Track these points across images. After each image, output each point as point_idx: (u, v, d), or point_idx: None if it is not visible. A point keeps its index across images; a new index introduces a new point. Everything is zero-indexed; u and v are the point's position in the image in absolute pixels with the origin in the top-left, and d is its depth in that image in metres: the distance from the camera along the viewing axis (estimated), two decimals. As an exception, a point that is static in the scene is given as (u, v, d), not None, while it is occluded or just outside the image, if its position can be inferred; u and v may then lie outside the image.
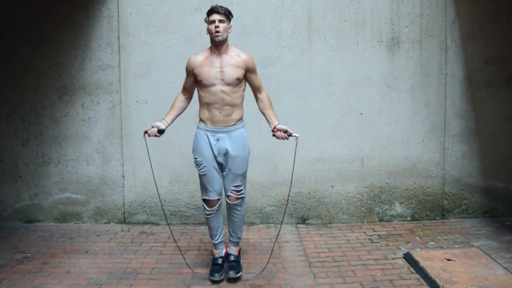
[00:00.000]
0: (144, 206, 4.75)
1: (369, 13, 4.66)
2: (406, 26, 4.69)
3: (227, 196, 3.50)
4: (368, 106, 4.73)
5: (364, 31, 4.67)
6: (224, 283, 3.43)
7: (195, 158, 3.47)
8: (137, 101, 4.66)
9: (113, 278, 3.51)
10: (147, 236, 4.43)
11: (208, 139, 3.41)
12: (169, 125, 3.52)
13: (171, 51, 4.62)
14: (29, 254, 3.97)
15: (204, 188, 3.49)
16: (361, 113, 4.74)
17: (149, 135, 3.48)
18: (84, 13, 4.58)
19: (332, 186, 4.78)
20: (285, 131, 3.45)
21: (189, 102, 3.60)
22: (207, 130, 3.42)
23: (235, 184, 3.47)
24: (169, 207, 4.73)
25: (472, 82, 4.77)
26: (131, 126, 4.67)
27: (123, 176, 4.73)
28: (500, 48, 4.75)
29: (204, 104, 3.43)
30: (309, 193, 4.77)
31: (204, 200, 3.51)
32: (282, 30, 4.64)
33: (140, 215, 4.76)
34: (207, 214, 3.52)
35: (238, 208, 3.53)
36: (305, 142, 4.71)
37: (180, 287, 3.38)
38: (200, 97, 3.46)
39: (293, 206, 4.77)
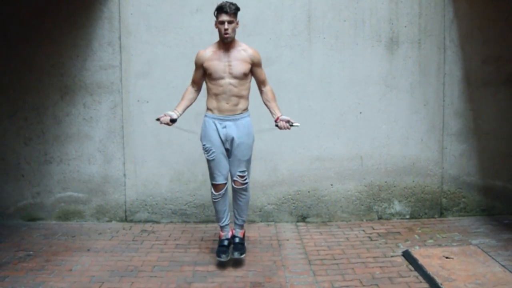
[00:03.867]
0: (146, 205, 4.79)
1: (368, 13, 4.69)
2: (405, 26, 4.72)
3: (233, 181, 3.70)
4: (367, 105, 4.76)
5: (363, 31, 4.70)
6: (226, 281, 3.47)
7: (204, 145, 3.64)
8: (138, 101, 4.69)
9: (115, 276, 3.54)
10: (149, 234, 4.46)
11: (216, 127, 3.60)
12: (180, 115, 3.69)
13: (172, 51, 4.65)
14: (31, 252, 4.00)
15: (212, 173, 3.67)
16: (360, 112, 4.77)
17: (161, 122, 3.62)
18: (86, 13, 4.61)
19: (331, 185, 4.81)
20: (287, 121, 3.67)
21: (198, 94, 3.78)
22: (215, 118, 3.61)
23: (240, 170, 3.66)
24: (170, 206, 4.77)
25: (471, 82, 4.80)
26: (132, 125, 4.71)
27: (124, 174, 4.77)
28: (498, 48, 4.78)
29: (212, 95, 3.61)
30: (308, 192, 4.80)
31: (213, 185, 3.69)
32: (282, 30, 4.67)
33: (142, 213, 4.80)
34: (214, 198, 3.72)
35: (244, 193, 3.74)
36: (304, 141, 4.75)
37: (181, 284, 3.41)
38: (208, 88, 3.63)
39: (293, 204, 4.81)
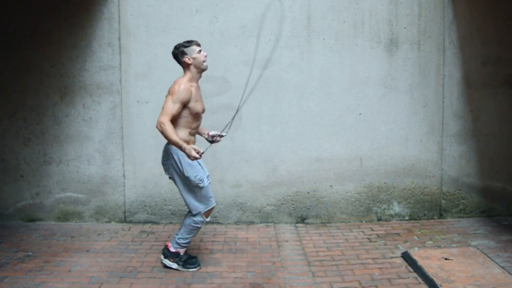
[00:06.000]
0: (145, 205, 4.79)
1: (368, 14, 4.70)
2: (405, 27, 4.72)
3: (211, 208, 3.64)
4: (367, 107, 4.77)
5: (363, 32, 4.71)
6: (225, 282, 3.47)
7: (195, 176, 3.48)
8: (137, 101, 4.69)
9: (114, 277, 3.54)
10: (148, 235, 4.46)
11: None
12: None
13: (171, 52, 4.64)
14: (30, 253, 4.00)
15: (207, 197, 3.58)
16: (360, 114, 4.77)
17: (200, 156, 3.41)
18: (85, 14, 4.61)
19: (331, 186, 4.81)
20: (219, 135, 3.73)
21: None
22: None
23: None
24: (169, 206, 4.77)
25: (470, 83, 4.80)
26: (131, 126, 4.71)
27: (123, 175, 4.77)
28: (497, 49, 4.79)
29: (188, 128, 3.55)
30: (308, 193, 4.80)
31: (208, 210, 3.60)
32: (282, 31, 4.67)
33: (141, 214, 4.80)
34: (202, 223, 3.62)
35: None
36: (304, 142, 4.76)
37: (180, 285, 3.41)
38: (186, 123, 3.52)
39: (292, 206, 4.81)
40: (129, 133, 4.72)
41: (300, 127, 4.75)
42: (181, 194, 3.60)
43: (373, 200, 4.85)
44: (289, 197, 4.79)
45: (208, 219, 3.63)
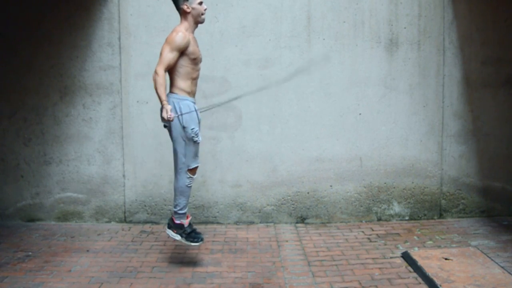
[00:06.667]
0: (145, 205, 4.79)
1: (368, 14, 4.70)
2: (405, 27, 4.72)
3: (196, 167, 3.67)
4: (367, 107, 4.77)
5: (363, 32, 4.71)
6: (225, 282, 3.47)
7: (193, 128, 3.54)
8: (137, 101, 4.69)
9: (114, 277, 3.54)
10: (148, 235, 4.46)
11: (195, 109, 3.59)
12: None
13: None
14: (30, 253, 4.00)
15: (193, 156, 3.61)
16: (360, 114, 4.77)
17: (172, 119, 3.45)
18: (85, 14, 4.61)
19: (331, 186, 4.81)
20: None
21: None
22: (193, 102, 3.61)
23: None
24: (169, 207, 4.77)
25: (470, 83, 4.80)
26: (131, 126, 4.71)
27: (123, 175, 4.77)
28: (497, 49, 4.79)
29: (189, 79, 3.57)
30: (308, 193, 4.80)
31: (191, 169, 3.63)
32: (282, 31, 4.68)
33: (141, 214, 4.80)
34: (189, 184, 3.66)
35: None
36: (304, 142, 4.76)
37: (180, 285, 3.41)
38: (186, 73, 3.55)
39: (292, 206, 4.81)
40: (129, 133, 4.72)
41: (300, 127, 4.75)
42: (173, 147, 3.61)
43: (373, 200, 4.85)
44: (289, 197, 4.79)
45: (194, 177, 3.65)
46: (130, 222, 4.79)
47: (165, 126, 3.63)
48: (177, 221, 3.68)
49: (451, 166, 4.87)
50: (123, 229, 4.62)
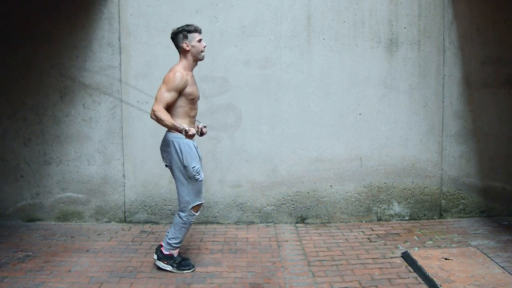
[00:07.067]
0: (145, 205, 4.79)
1: (368, 14, 4.70)
2: (405, 27, 4.72)
3: (200, 204, 3.63)
4: (367, 107, 4.77)
5: (363, 32, 4.71)
6: (225, 282, 3.47)
7: (194, 167, 3.49)
8: (137, 101, 4.69)
9: (114, 277, 3.54)
10: (148, 235, 4.46)
11: (195, 147, 3.56)
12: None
13: (171, 52, 4.61)
14: (30, 253, 4.00)
15: (198, 193, 3.58)
16: (360, 114, 4.77)
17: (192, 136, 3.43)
18: (85, 14, 4.62)
19: (331, 186, 4.81)
20: (203, 126, 3.76)
21: None
22: (193, 140, 3.55)
23: None
24: (169, 206, 4.77)
25: (470, 83, 4.80)
26: (131, 126, 4.71)
27: (123, 175, 4.77)
28: (497, 49, 4.79)
29: (187, 117, 3.53)
30: (308, 193, 4.80)
31: (197, 206, 3.59)
32: (282, 31, 4.68)
33: (141, 214, 4.80)
34: (192, 220, 3.61)
35: None
36: (304, 142, 4.76)
37: (180, 285, 3.41)
38: (184, 112, 3.51)
39: (292, 206, 4.81)
40: (129, 133, 4.72)
41: (300, 127, 4.75)
42: (176, 185, 3.59)
43: (373, 200, 4.85)
44: (289, 197, 4.80)
45: (197, 214, 3.61)
46: (130, 222, 4.79)
47: (166, 166, 3.64)
48: (166, 252, 3.64)
49: (451, 166, 4.87)
50: (123, 229, 4.62)
